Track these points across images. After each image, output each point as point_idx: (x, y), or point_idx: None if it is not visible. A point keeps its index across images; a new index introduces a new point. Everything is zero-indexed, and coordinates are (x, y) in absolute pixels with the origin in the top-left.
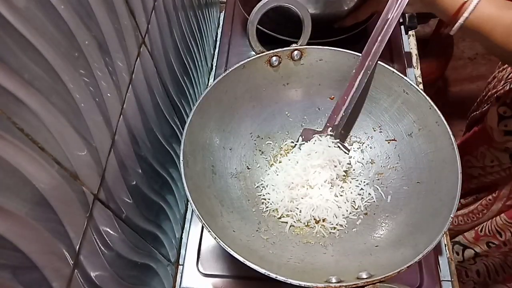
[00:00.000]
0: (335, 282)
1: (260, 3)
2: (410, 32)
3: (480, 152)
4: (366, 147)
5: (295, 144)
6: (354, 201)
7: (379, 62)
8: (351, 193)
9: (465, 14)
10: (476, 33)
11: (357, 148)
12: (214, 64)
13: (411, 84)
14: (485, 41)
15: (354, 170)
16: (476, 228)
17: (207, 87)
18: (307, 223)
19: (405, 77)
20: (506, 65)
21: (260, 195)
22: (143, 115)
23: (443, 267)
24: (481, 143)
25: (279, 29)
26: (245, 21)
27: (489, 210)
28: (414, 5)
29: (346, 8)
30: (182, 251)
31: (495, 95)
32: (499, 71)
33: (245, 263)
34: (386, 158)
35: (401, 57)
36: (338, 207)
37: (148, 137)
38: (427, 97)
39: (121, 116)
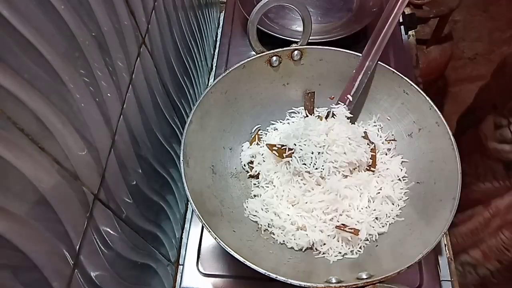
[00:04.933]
0: (335, 283)
1: (260, 3)
2: (410, 32)
3: (474, 160)
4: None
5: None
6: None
7: (379, 62)
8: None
9: None
10: None
11: None
12: (214, 64)
13: (411, 85)
14: None
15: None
16: (481, 248)
17: (207, 87)
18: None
19: (405, 77)
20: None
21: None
22: (143, 115)
23: (443, 267)
24: (474, 150)
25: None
26: (245, 21)
27: (489, 227)
28: None
29: None
30: (182, 251)
31: (491, 104)
32: (494, 79)
33: (245, 263)
34: None
35: (401, 57)
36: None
37: (148, 137)
38: (427, 98)
39: (121, 116)
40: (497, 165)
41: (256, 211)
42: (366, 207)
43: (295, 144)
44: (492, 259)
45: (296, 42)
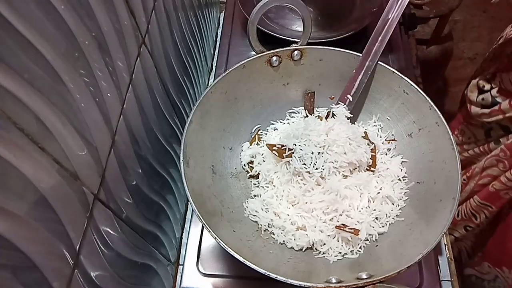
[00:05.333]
0: (335, 283)
1: (260, 3)
2: (410, 32)
3: (461, 129)
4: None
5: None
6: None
7: (379, 62)
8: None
9: None
10: None
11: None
12: (214, 64)
13: (411, 84)
14: None
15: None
16: None
17: (207, 87)
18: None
19: (405, 77)
20: (500, 37)
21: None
22: (143, 115)
23: (443, 267)
24: (462, 120)
25: (279, 29)
26: (245, 21)
27: (464, 191)
28: None
29: None
30: (182, 251)
31: (480, 69)
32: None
33: (245, 263)
34: None
35: (401, 57)
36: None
37: (148, 137)
38: (427, 97)
39: (121, 116)
40: (479, 131)
41: (256, 211)
42: (366, 207)
43: (295, 144)
44: (459, 225)
45: (296, 42)
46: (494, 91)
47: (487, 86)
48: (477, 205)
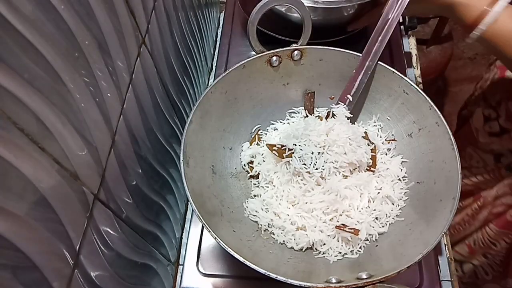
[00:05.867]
0: (335, 282)
1: (260, 3)
2: (410, 32)
3: (468, 152)
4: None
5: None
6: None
7: (379, 62)
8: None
9: (482, 27)
10: (492, 46)
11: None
12: (214, 64)
13: (411, 85)
14: (501, 56)
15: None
16: (467, 242)
17: (207, 87)
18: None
19: (405, 77)
20: (493, 66)
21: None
22: (143, 115)
23: (443, 267)
24: (467, 143)
25: (279, 29)
26: (245, 21)
27: (476, 219)
28: (430, 8)
29: (345, 15)
30: (182, 251)
31: (482, 96)
32: (487, 72)
33: (245, 263)
34: None
35: (401, 57)
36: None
37: (148, 137)
38: (427, 98)
39: (121, 116)
40: (488, 157)
41: (256, 211)
42: (366, 207)
43: (295, 144)
44: (478, 253)
45: (296, 42)
46: (501, 120)
47: (493, 115)
48: (495, 233)
